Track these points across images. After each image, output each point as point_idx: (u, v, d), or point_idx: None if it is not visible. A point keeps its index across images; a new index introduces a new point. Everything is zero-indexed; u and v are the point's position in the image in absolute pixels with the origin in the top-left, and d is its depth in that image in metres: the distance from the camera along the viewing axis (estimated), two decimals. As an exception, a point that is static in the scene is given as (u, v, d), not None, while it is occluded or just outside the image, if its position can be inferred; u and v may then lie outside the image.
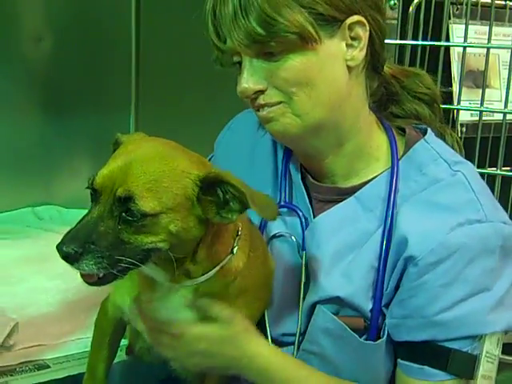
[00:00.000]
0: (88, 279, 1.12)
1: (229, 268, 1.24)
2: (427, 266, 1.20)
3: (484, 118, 1.98)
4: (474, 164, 1.36)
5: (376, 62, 1.31)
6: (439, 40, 2.01)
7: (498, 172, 1.92)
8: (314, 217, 1.36)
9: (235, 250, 1.24)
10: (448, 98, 2.02)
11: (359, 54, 1.25)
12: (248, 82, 1.23)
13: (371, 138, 1.34)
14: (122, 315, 1.33)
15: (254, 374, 1.28)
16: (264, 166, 1.47)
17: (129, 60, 2.77)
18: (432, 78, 1.45)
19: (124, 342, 1.48)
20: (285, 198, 1.41)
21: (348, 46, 1.24)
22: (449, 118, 1.96)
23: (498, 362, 1.28)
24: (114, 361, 1.42)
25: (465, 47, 1.93)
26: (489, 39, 1.88)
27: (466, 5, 1.98)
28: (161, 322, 1.26)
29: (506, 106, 1.89)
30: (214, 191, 1.13)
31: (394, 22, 1.94)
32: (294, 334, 1.35)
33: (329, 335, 1.29)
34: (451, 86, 2.05)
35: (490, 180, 1.91)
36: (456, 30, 2.08)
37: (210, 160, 1.53)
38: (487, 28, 1.89)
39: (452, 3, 2.06)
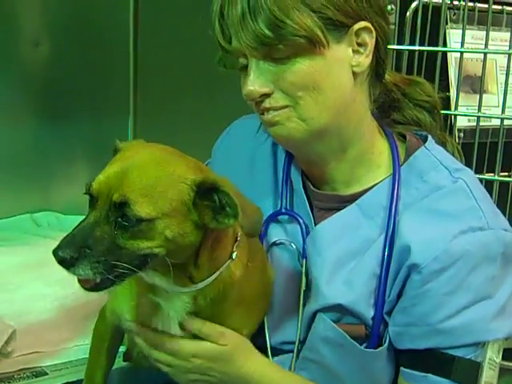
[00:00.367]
0: (85, 284, 1.12)
1: (228, 274, 1.24)
2: (431, 274, 1.21)
3: (481, 124, 1.98)
4: (471, 169, 1.37)
5: (380, 68, 1.31)
6: (436, 45, 2.01)
7: (496, 177, 1.92)
8: (315, 225, 1.36)
9: (234, 255, 1.23)
10: (445, 103, 2.02)
11: (365, 60, 1.25)
12: (254, 84, 1.23)
13: (373, 144, 1.34)
14: (120, 323, 1.33)
15: None
16: (264, 172, 1.47)
17: (127, 65, 2.77)
18: (432, 85, 1.46)
19: (122, 348, 1.47)
20: (286, 205, 1.41)
21: (354, 51, 1.24)
22: (446, 123, 1.96)
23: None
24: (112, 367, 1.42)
25: (462, 52, 1.93)
26: (486, 44, 1.88)
27: (463, 10, 1.98)
28: (156, 338, 1.27)
29: (503, 111, 1.89)
30: (210, 196, 1.13)
31: (391, 27, 1.94)
32: (294, 343, 1.35)
33: (329, 343, 1.29)
34: (448, 91, 2.05)
35: (488, 185, 1.91)
36: (453, 35, 2.08)
37: (206, 166, 1.53)
38: (484, 33, 1.89)
39: (449, 8, 2.06)
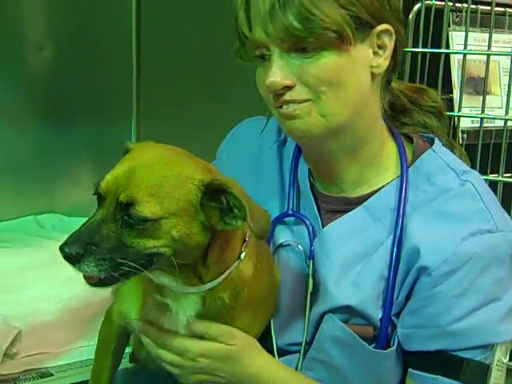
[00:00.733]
0: (90, 280, 1.13)
1: (237, 274, 1.24)
2: (441, 276, 1.21)
3: (485, 125, 1.98)
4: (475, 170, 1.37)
5: (393, 73, 1.33)
6: (439, 47, 2.01)
7: (500, 178, 1.92)
8: (323, 227, 1.36)
9: (242, 255, 1.24)
10: (449, 104, 2.02)
11: (384, 62, 1.26)
12: (277, 76, 1.21)
13: (383, 146, 1.34)
14: (127, 324, 1.33)
15: None
16: (270, 174, 1.47)
17: (130, 69, 2.78)
18: (435, 91, 1.47)
19: (128, 349, 1.47)
20: (292, 206, 1.41)
21: (374, 53, 1.25)
22: (450, 124, 1.96)
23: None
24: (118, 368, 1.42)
25: (465, 54, 1.93)
26: (489, 46, 1.89)
27: (466, 12, 1.98)
28: (164, 337, 1.26)
29: (506, 112, 1.89)
30: (218, 197, 1.13)
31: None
32: (300, 344, 1.35)
33: (337, 343, 1.29)
34: (451, 93, 2.05)
35: (492, 186, 1.90)
36: (456, 37, 2.08)
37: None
38: (487, 35, 1.89)
39: (452, 10, 2.06)
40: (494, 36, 1.91)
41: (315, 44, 1.19)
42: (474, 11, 2.09)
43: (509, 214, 1.93)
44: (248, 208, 1.11)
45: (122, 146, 1.24)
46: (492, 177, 1.93)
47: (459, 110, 1.96)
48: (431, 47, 2.02)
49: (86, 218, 1.14)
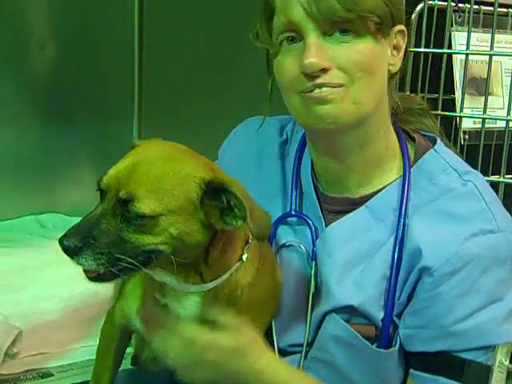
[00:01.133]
0: (89, 274, 1.13)
1: (238, 276, 1.24)
2: (443, 277, 1.21)
3: (487, 126, 1.98)
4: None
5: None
6: (441, 47, 2.01)
7: (501, 179, 1.92)
8: (326, 227, 1.36)
9: (244, 257, 1.23)
10: (450, 105, 2.02)
11: (398, 62, 1.29)
12: (316, 56, 1.20)
13: (388, 145, 1.35)
14: (128, 324, 1.33)
15: None
16: (272, 174, 1.47)
17: (132, 68, 2.79)
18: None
19: (129, 349, 1.47)
20: (295, 207, 1.41)
21: (391, 52, 1.27)
22: (451, 125, 1.96)
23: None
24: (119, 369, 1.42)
25: (467, 54, 1.93)
26: (491, 46, 1.88)
27: (469, 12, 1.98)
28: (174, 324, 1.23)
29: (508, 113, 1.88)
30: (218, 196, 1.13)
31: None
32: (302, 345, 1.35)
33: (339, 343, 1.29)
34: (453, 93, 2.05)
35: (493, 187, 1.90)
36: (458, 38, 2.07)
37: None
38: (489, 35, 1.89)
39: (454, 11, 2.06)
40: (497, 36, 1.90)
41: (356, 28, 1.19)
42: (477, 12, 2.09)
43: (511, 214, 1.93)
44: (248, 208, 1.11)
45: (124, 145, 1.25)
46: (493, 178, 1.92)
47: (461, 111, 1.95)
48: (433, 47, 2.02)
49: (87, 218, 1.14)
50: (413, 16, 1.95)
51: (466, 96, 1.99)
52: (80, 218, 1.12)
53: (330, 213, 1.37)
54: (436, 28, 2.05)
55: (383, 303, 1.28)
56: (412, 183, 1.31)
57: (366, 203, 1.33)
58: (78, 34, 2.61)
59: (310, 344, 1.35)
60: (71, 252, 1.07)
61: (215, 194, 1.13)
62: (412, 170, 1.33)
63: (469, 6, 1.98)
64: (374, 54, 1.22)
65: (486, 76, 1.95)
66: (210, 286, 1.21)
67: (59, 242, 1.08)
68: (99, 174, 1.15)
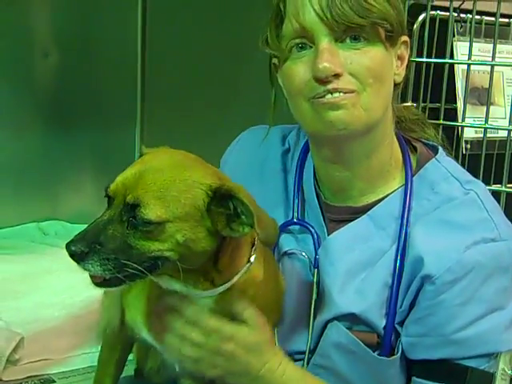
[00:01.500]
0: (95, 279, 1.13)
1: (249, 276, 1.23)
2: (444, 285, 1.21)
3: (488, 135, 1.99)
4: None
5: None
6: (443, 57, 2.02)
7: (503, 189, 1.92)
8: (328, 235, 1.36)
9: (253, 258, 1.23)
10: (452, 115, 2.03)
11: (402, 72, 1.30)
12: (330, 61, 1.20)
13: (392, 155, 1.35)
14: (132, 333, 1.32)
15: None
16: (274, 183, 1.47)
17: (134, 76, 2.79)
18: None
19: (131, 356, 1.47)
20: (298, 215, 1.41)
21: (395, 62, 1.29)
22: (453, 134, 1.97)
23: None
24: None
25: (469, 64, 1.94)
26: (493, 57, 1.89)
27: (470, 23, 1.99)
28: (197, 314, 1.21)
29: (510, 123, 1.89)
30: (225, 203, 1.13)
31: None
32: (304, 352, 1.35)
33: (341, 349, 1.29)
34: (455, 103, 2.05)
35: (495, 196, 1.91)
36: (460, 48, 2.08)
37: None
38: (491, 45, 1.90)
39: (456, 21, 2.07)
40: (498, 47, 1.91)
41: (368, 34, 1.21)
42: (479, 22, 2.10)
43: (512, 223, 1.92)
44: (256, 215, 1.11)
45: (126, 152, 1.25)
46: (495, 187, 1.93)
47: (463, 120, 1.96)
48: (435, 57, 2.03)
49: (89, 226, 1.14)
50: (415, 26, 1.96)
51: (468, 106, 1.99)
52: (82, 226, 1.13)
53: (331, 221, 1.38)
54: (438, 38, 2.06)
55: (385, 311, 1.28)
56: (414, 192, 1.31)
57: (368, 212, 1.34)
58: (80, 42, 2.62)
59: (312, 351, 1.34)
60: (78, 257, 1.07)
61: (222, 200, 1.13)
62: (414, 179, 1.33)
63: (471, 16, 1.99)
64: (383, 62, 1.24)
65: (487, 86, 1.95)
66: (221, 289, 1.20)
67: (66, 247, 1.08)
68: (101, 181, 1.16)
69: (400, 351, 1.27)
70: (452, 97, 2.04)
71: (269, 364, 1.23)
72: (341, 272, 1.31)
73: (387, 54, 1.24)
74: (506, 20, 2.20)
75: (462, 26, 2.09)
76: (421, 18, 1.98)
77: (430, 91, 2.04)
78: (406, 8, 1.88)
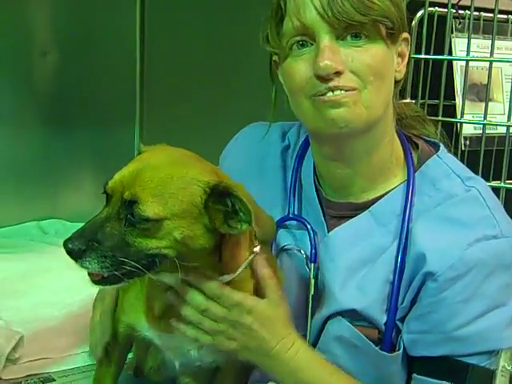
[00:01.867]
0: (93, 277, 1.13)
1: (252, 268, 1.23)
2: (447, 282, 1.21)
3: (487, 131, 1.99)
4: (476, 176, 1.37)
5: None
6: (442, 54, 2.02)
7: (502, 185, 1.92)
8: (329, 232, 1.36)
9: (257, 249, 1.23)
10: (451, 111, 2.03)
11: (403, 69, 1.30)
12: (331, 59, 1.20)
13: (393, 152, 1.35)
14: (133, 332, 1.32)
15: (277, 365, 1.24)
16: (273, 179, 1.48)
17: (133, 75, 2.79)
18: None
19: (130, 355, 1.47)
20: (293, 210, 1.41)
21: (396, 59, 1.29)
22: (452, 131, 1.97)
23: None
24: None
25: (467, 61, 1.94)
26: (491, 53, 1.89)
27: (469, 19, 1.99)
28: (218, 289, 1.20)
29: (509, 119, 1.89)
30: (223, 200, 1.13)
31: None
32: None
33: (342, 343, 1.30)
34: (454, 99, 2.05)
35: (494, 193, 1.91)
36: (458, 44, 2.08)
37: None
38: (489, 42, 1.90)
39: (454, 17, 2.07)
40: (497, 43, 1.91)
41: (369, 32, 1.21)
42: (477, 18, 2.10)
43: (511, 220, 1.92)
44: (253, 212, 1.11)
45: (126, 151, 1.26)
46: (494, 183, 1.93)
47: (461, 117, 1.96)
48: (434, 54, 2.03)
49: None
50: (413, 23, 1.96)
51: (467, 102, 1.99)
52: (82, 224, 1.13)
53: (332, 218, 1.38)
54: (436, 34, 2.06)
55: (386, 307, 1.28)
56: (415, 188, 1.31)
57: (370, 208, 1.34)
58: (80, 41, 2.62)
59: (313, 346, 1.34)
60: (75, 255, 1.08)
61: (220, 198, 1.13)
62: (415, 175, 1.33)
63: (469, 12, 1.99)
64: (384, 59, 1.24)
65: (486, 82, 1.96)
66: (226, 278, 1.20)
67: (63, 244, 1.08)
68: (101, 180, 1.16)
69: (402, 348, 1.27)
70: (451, 93, 2.04)
71: (282, 342, 1.23)
72: (342, 268, 1.31)
73: (388, 51, 1.24)
74: (505, 16, 2.20)
75: (460, 23, 2.09)
76: (419, 14, 1.98)
77: (429, 88, 2.04)
78: (405, 4, 1.88)
